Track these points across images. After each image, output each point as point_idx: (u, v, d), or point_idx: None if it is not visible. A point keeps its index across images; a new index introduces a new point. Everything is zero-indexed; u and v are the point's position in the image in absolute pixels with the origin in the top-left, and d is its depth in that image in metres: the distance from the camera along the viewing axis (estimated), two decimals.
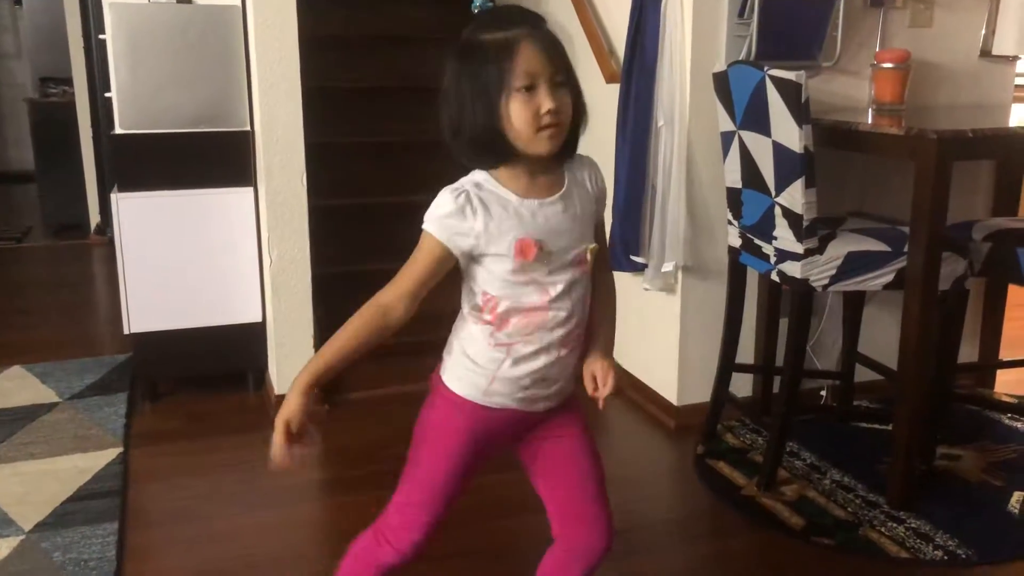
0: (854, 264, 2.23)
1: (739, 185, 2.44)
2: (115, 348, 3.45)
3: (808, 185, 2.18)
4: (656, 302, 2.84)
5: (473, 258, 1.28)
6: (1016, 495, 2.35)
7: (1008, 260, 2.42)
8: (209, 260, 2.94)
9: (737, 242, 2.52)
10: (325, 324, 2.95)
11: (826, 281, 2.24)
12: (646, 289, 2.77)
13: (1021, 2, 2.86)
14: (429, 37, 3.61)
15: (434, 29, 3.70)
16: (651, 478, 2.54)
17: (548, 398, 1.36)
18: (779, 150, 2.21)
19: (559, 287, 1.29)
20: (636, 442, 2.74)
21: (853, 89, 2.78)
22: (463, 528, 2.11)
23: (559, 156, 1.29)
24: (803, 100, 2.11)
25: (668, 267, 2.65)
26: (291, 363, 2.89)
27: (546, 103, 1.20)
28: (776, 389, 2.69)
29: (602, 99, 2.87)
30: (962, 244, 2.35)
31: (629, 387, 2.96)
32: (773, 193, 2.27)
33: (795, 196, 2.20)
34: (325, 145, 3.14)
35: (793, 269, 2.26)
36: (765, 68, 2.18)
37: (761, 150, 2.28)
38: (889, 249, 2.23)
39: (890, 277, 2.24)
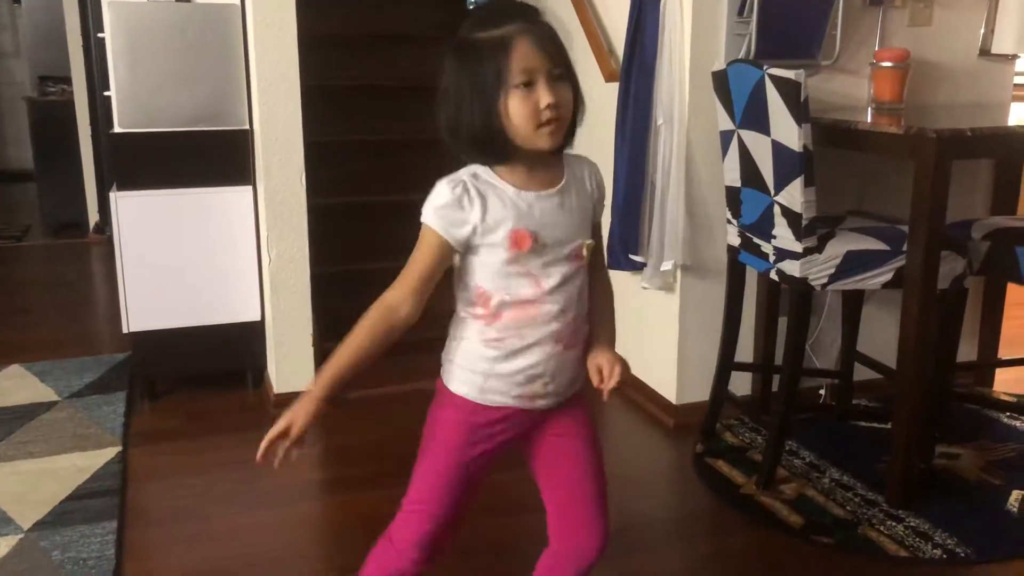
0: (853, 263, 2.23)
1: (738, 184, 2.44)
2: (114, 347, 3.45)
3: (807, 184, 2.18)
4: (655, 301, 2.84)
5: (469, 248, 1.27)
6: (1015, 494, 2.35)
7: (1007, 259, 2.42)
8: (208, 259, 2.94)
9: (736, 241, 2.52)
10: (324, 323, 2.95)
11: (825, 280, 2.24)
12: (645, 288, 2.77)
13: (1020, 1, 2.86)
14: (428, 35, 3.61)
15: (433, 27, 3.70)
16: (650, 477, 2.54)
17: (547, 396, 1.35)
18: (778, 149, 2.21)
19: (553, 280, 1.28)
20: (635, 441, 2.74)
21: (852, 88, 2.78)
22: (464, 526, 2.12)
23: (557, 148, 1.29)
24: (802, 99, 2.11)
25: (667, 266, 2.65)
26: (290, 362, 2.89)
27: (545, 98, 1.20)
28: (775, 388, 2.70)
29: (601, 98, 2.87)
30: (961, 243, 2.35)
31: (628, 386, 2.96)
32: (772, 192, 2.27)
33: (794, 195, 2.20)
34: (324, 144, 3.14)
35: (792, 268, 2.26)
36: (764, 67, 2.18)
37: (760, 149, 2.28)
38: (888, 248, 2.23)
39: (889, 276, 2.24)
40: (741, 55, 2.55)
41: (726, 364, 2.63)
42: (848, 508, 2.28)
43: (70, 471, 2.47)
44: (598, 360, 1.36)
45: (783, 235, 2.27)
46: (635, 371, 2.96)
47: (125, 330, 2.95)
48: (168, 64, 2.81)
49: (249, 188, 2.94)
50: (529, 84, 1.20)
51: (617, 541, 2.14)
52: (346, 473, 2.50)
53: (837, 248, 2.23)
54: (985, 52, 2.92)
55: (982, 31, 2.91)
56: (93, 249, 5.31)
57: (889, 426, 2.33)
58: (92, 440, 2.67)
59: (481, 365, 1.32)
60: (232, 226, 2.94)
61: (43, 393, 3.03)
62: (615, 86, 2.75)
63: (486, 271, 1.28)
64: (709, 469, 2.51)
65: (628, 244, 2.75)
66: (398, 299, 1.27)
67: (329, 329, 2.97)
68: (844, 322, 2.76)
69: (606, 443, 2.74)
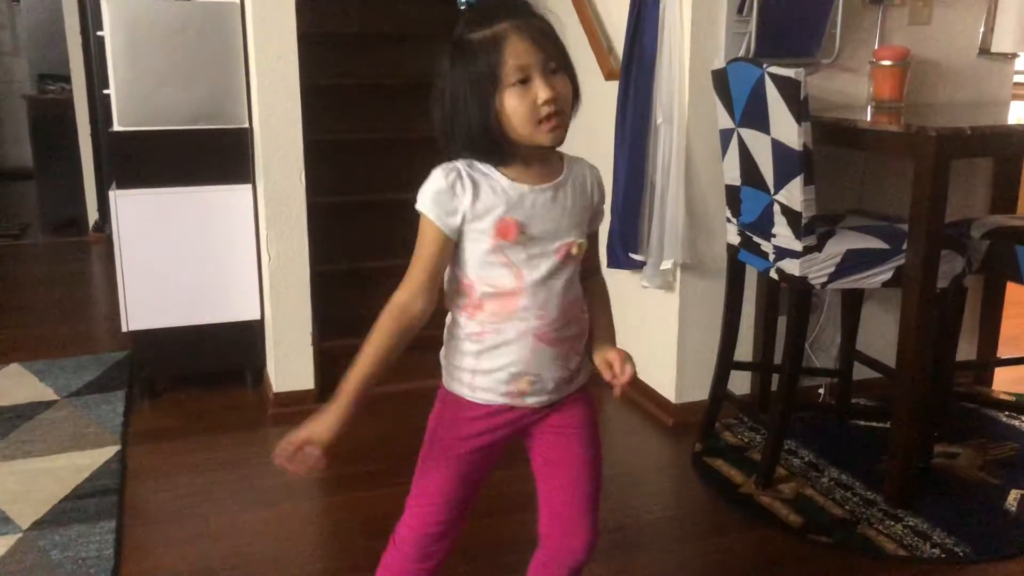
0: (853, 262, 2.23)
1: (738, 183, 2.44)
2: (113, 346, 3.45)
3: (807, 182, 2.17)
4: (655, 300, 2.84)
5: (460, 235, 1.27)
6: (1013, 493, 2.35)
7: (1006, 258, 2.42)
8: (207, 257, 2.94)
9: (736, 240, 2.52)
10: (324, 322, 2.95)
11: (825, 279, 2.24)
12: (645, 287, 2.77)
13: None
14: (428, 34, 3.60)
15: (433, 26, 3.69)
16: (649, 476, 2.54)
17: (536, 394, 1.33)
18: (778, 147, 2.21)
19: (536, 274, 1.27)
20: (634, 440, 2.74)
21: (852, 86, 2.78)
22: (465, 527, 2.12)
23: (558, 144, 1.28)
24: (802, 97, 2.10)
25: (667, 265, 2.65)
26: (289, 361, 2.89)
27: (542, 93, 1.19)
28: (774, 387, 2.70)
29: (601, 96, 2.87)
30: (960, 242, 2.35)
31: (628, 384, 2.96)
32: (772, 191, 2.27)
33: (794, 193, 2.20)
34: (324, 142, 3.14)
35: (792, 267, 2.26)
36: (764, 65, 2.18)
37: (760, 147, 2.28)
38: (888, 247, 2.23)
39: (888, 275, 2.24)
40: (741, 53, 2.55)
41: (725, 363, 2.63)
42: (847, 507, 2.28)
43: (69, 470, 2.47)
44: (607, 356, 1.36)
45: (783, 234, 2.27)
46: None
47: (124, 329, 2.94)
48: (168, 62, 2.81)
49: (248, 187, 2.94)
50: (525, 81, 1.20)
51: (616, 540, 2.15)
52: (345, 472, 2.50)
53: (837, 247, 2.23)
54: (985, 51, 2.92)
55: (982, 30, 2.90)
56: (92, 248, 5.30)
57: (888, 425, 2.33)
58: (91, 439, 2.67)
59: (467, 362, 1.32)
60: (231, 225, 2.94)
61: (42, 392, 3.03)
62: (615, 84, 2.75)
63: (471, 260, 1.28)
64: (708, 468, 2.51)
65: (628, 243, 2.75)
66: (408, 298, 1.27)
67: (329, 328, 2.97)
68: (843, 321, 2.76)
69: (605, 442, 2.74)
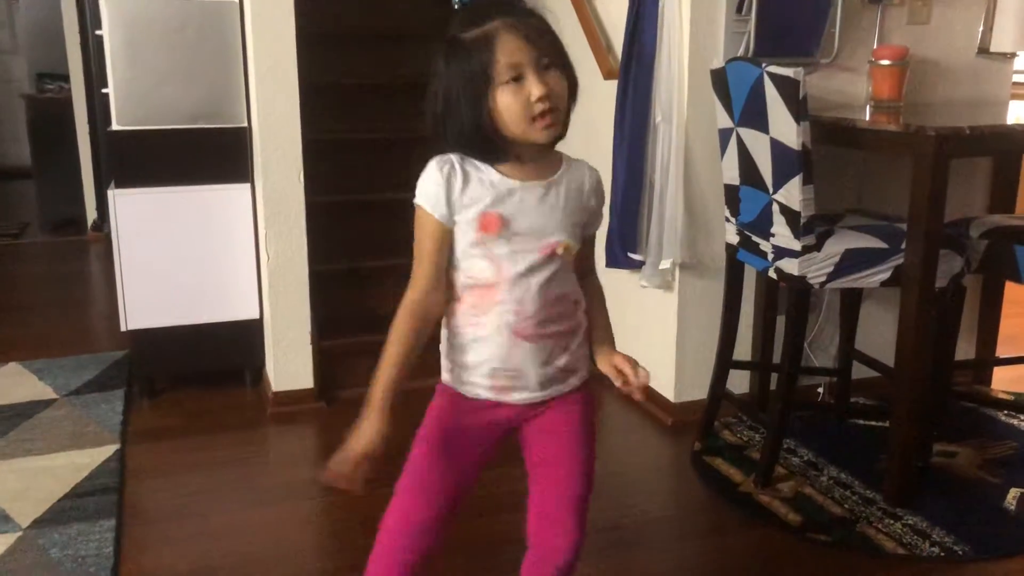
0: (851, 261, 2.23)
1: (737, 182, 2.44)
2: (112, 345, 3.45)
3: (806, 182, 2.18)
4: (653, 299, 2.84)
5: (453, 225, 1.28)
6: (1012, 492, 2.35)
7: (1005, 257, 2.42)
8: (206, 257, 2.94)
9: (735, 239, 2.52)
10: (323, 321, 2.95)
11: (823, 278, 2.24)
12: (643, 286, 2.77)
13: None
14: (427, 33, 3.60)
15: (432, 25, 3.69)
16: (648, 475, 2.54)
17: (520, 390, 1.33)
18: (777, 147, 2.21)
19: (515, 269, 1.27)
20: (633, 439, 2.74)
21: (851, 86, 2.78)
22: (453, 527, 2.12)
23: (555, 141, 1.28)
24: (801, 97, 2.10)
25: (666, 264, 2.65)
26: (288, 360, 2.89)
27: (535, 90, 1.19)
28: (773, 386, 2.70)
29: (600, 95, 2.87)
30: (959, 241, 2.35)
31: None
32: (771, 190, 2.27)
33: (793, 193, 2.20)
34: (322, 141, 3.14)
35: (791, 266, 2.26)
36: (763, 65, 2.18)
37: (759, 147, 2.28)
38: (886, 246, 2.23)
39: (887, 274, 2.24)
40: (740, 53, 2.55)
41: (724, 362, 2.64)
42: (846, 506, 2.28)
43: (68, 469, 2.47)
44: (614, 362, 1.35)
45: (782, 233, 2.27)
46: None
47: (123, 328, 2.94)
48: (166, 61, 2.81)
49: (247, 186, 2.94)
50: (518, 78, 1.19)
51: (615, 539, 2.15)
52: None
53: (835, 246, 2.23)
54: (984, 50, 2.92)
55: (981, 29, 2.91)
56: (91, 247, 5.30)
57: (887, 424, 2.34)
58: (90, 438, 2.67)
59: (454, 355, 1.34)
60: (230, 224, 2.94)
61: (41, 391, 3.03)
62: (614, 83, 2.75)
63: (456, 251, 1.28)
64: (707, 467, 2.51)
65: (627, 242, 2.75)
66: (419, 296, 1.28)
67: (328, 327, 2.97)
68: (842, 320, 2.76)
69: (605, 441, 2.75)
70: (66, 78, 5.45)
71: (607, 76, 2.89)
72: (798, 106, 2.11)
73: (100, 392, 3.01)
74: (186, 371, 3.06)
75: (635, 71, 2.65)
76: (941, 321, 2.37)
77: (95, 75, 4.66)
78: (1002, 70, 2.99)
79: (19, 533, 2.15)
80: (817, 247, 2.23)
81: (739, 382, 2.81)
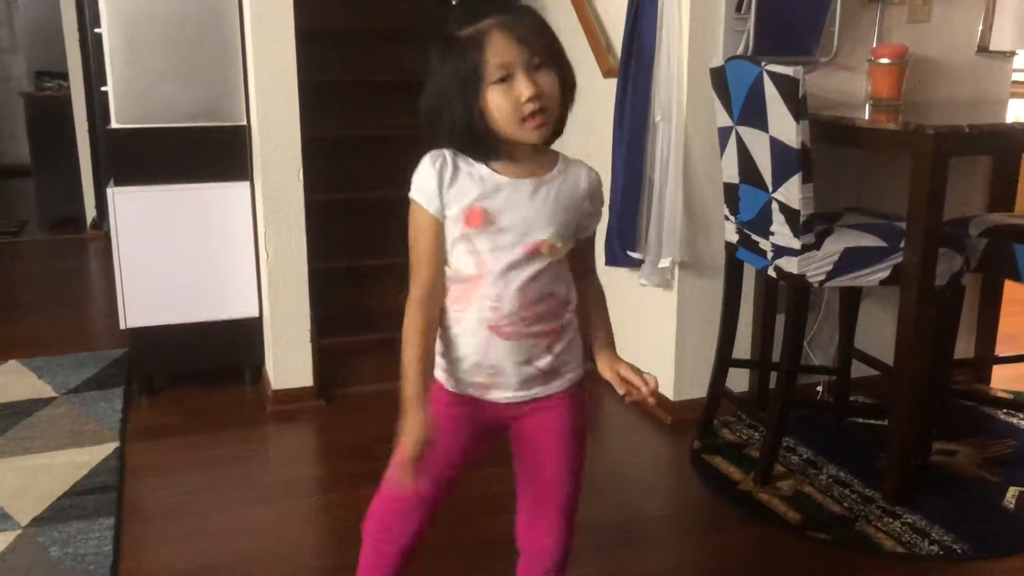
0: (851, 260, 2.23)
1: (736, 181, 2.44)
2: (112, 343, 3.45)
3: (805, 180, 2.18)
4: (652, 297, 2.84)
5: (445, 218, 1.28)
6: (1011, 490, 2.35)
7: (1004, 256, 2.42)
8: (206, 255, 2.94)
9: (734, 238, 2.52)
10: (322, 319, 2.95)
11: (823, 277, 2.24)
12: (643, 284, 2.77)
13: None
14: (427, 31, 3.59)
15: (432, 22, 3.69)
16: (647, 473, 2.54)
17: (500, 387, 1.33)
18: (776, 146, 2.21)
19: (497, 265, 1.26)
20: (632, 437, 2.75)
21: (850, 84, 2.78)
22: (449, 523, 2.12)
23: (549, 140, 1.28)
24: (800, 95, 2.10)
25: (665, 262, 2.65)
26: (288, 358, 2.89)
27: (525, 91, 1.19)
28: (772, 384, 2.70)
29: (600, 94, 2.87)
30: (959, 240, 2.35)
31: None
32: (770, 189, 2.27)
33: (792, 192, 2.20)
34: (322, 139, 3.14)
35: (790, 265, 2.26)
36: (763, 63, 2.18)
37: (758, 146, 2.28)
38: (886, 245, 2.23)
39: (887, 273, 2.24)
40: (739, 51, 2.55)
41: (724, 361, 2.64)
42: (845, 504, 2.28)
43: (67, 467, 2.47)
44: (619, 370, 1.35)
45: (781, 232, 2.27)
46: None
47: (123, 326, 2.94)
48: (165, 59, 2.80)
49: (247, 184, 2.93)
50: (508, 78, 1.19)
51: (614, 537, 2.15)
52: (343, 469, 2.50)
53: (835, 245, 2.23)
54: (983, 48, 2.92)
55: (980, 28, 2.91)
56: (90, 245, 5.30)
57: (886, 423, 2.34)
58: (89, 436, 2.67)
59: (442, 349, 1.34)
60: (230, 222, 2.94)
61: (40, 389, 3.03)
62: (613, 82, 2.75)
63: (447, 244, 1.29)
64: (706, 465, 2.51)
65: (626, 241, 2.75)
66: (422, 293, 1.29)
67: (327, 325, 2.97)
68: (841, 319, 2.76)
69: (604, 439, 2.75)
70: (65, 76, 5.45)
71: (606, 74, 2.88)
72: (797, 105, 2.11)
73: (99, 390, 3.01)
74: (185, 369, 3.06)
75: (634, 69, 2.65)
76: (940, 320, 2.37)
77: (94, 73, 4.66)
78: (1001, 69, 2.99)
79: (18, 531, 2.15)
80: (816, 246, 2.23)
81: (738, 380, 2.81)
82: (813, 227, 2.23)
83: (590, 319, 1.40)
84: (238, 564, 2.05)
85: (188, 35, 2.80)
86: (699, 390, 2.73)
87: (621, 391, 1.35)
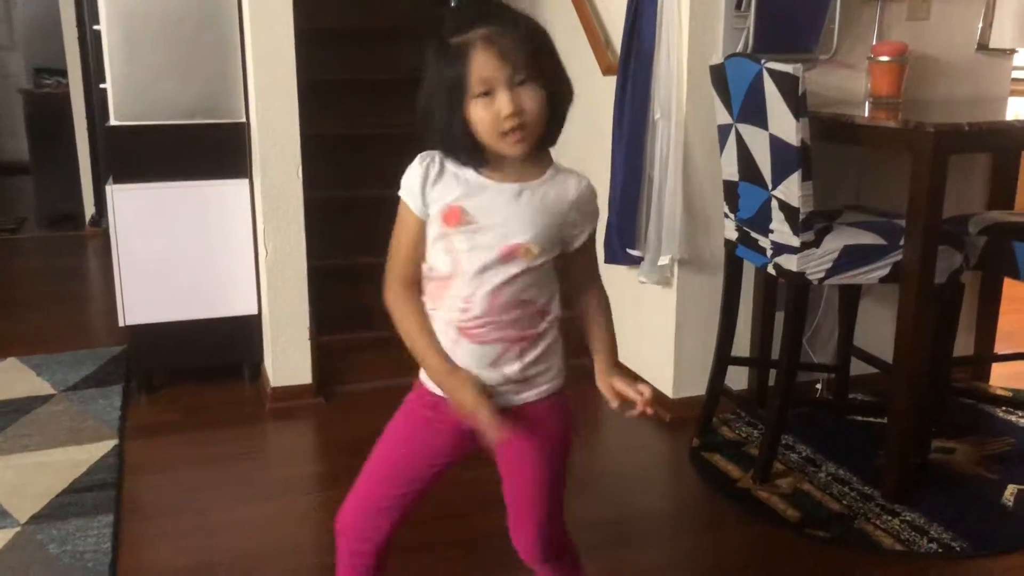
0: (850, 257, 2.23)
1: (736, 178, 2.44)
2: (110, 340, 3.45)
3: (805, 178, 2.17)
4: (652, 295, 2.84)
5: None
6: (1010, 488, 2.35)
7: (1004, 254, 2.42)
8: (205, 252, 2.94)
9: (733, 235, 2.52)
10: (321, 317, 2.95)
11: (822, 274, 2.24)
12: (642, 282, 2.77)
13: None
14: (426, 30, 3.59)
15: (431, 21, 3.68)
16: (646, 471, 2.54)
17: None
18: (776, 143, 2.21)
19: (471, 266, 1.26)
20: (631, 435, 2.74)
21: (850, 82, 2.78)
22: (447, 519, 2.13)
23: (539, 148, 1.27)
24: (800, 93, 2.10)
25: (664, 260, 2.65)
26: (287, 356, 2.88)
27: (504, 107, 1.18)
28: (772, 382, 2.69)
29: (599, 91, 2.87)
30: (958, 238, 2.35)
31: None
32: (770, 186, 2.27)
33: (792, 189, 2.20)
34: (321, 137, 3.13)
35: (789, 262, 2.26)
36: (762, 61, 2.17)
37: (758, 143, 2.28)
38: (885, 242, 2.23)
39: (886, 271, 2.24)
40: (739, 49, 2.55)
41: (723, 358, 2.64)
42: (844, 502, 2.28)
43: (66, 464, 2.47)
44: (614, 385, 1.34)
45: (780, 229, 2.27)
46: (631, 365, 2.96)
47: (121, 323, 2.94)
48: (164, 56, 2.80)
49: (246, 181, 2.93)
50: (490, 92, 1.19)
51: (613, 535, 2.15)
52: (341, 466, 2.49)
53: (834, 242, 2.23)
54: (983, 46, 2.92)
55: (980, 25, 2.90)
56: (89, 242, 5.30)
57: (885, 420, 2.34)
58: (88, 433, 2.66)
59: None
60: (229, 219, 2.94)
61: (39, 386, 3.03)
62: (613, 80, 2.75)
63: (428, 242, 1.30)
64: (705, 463, 2.51)
65: (625, 238, 2.75)
66: (399, 290, 1.31)
67: (326, 323, 2.96)
68: (841, 317, 2.76)
69: (603, 437, 2.75)
70: (64, 73, 5.45)
71: (606, 72, 2.88)
72: (797, 102, 2.11)
73: (98, 387, 3.01)
74: (184, 366, 3.06)
75: (634, 67, 2.65)
76: (939, 317, 2.37)
77: (93, 70, 4.66)
78: (1001, 66, 2.99)
79: (17, 529, 2.15)
80: (816, 243, 2.23)
81: (737, 378, 2.81)
82: (812, 225, 2.23)
83: (590, 331, 1.39)
84: (237, 561, 2.04)
85: (187, 32, 2.80)
86: (698, 388, 2.73)
87: (614, 405, 1.34)
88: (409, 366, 1.36)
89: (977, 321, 3.09)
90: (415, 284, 1.31)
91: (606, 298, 1.41)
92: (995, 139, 2.35)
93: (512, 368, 1.30)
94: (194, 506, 2.28)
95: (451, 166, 1.26)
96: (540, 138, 1.24)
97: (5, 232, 5.56)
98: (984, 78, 2.95)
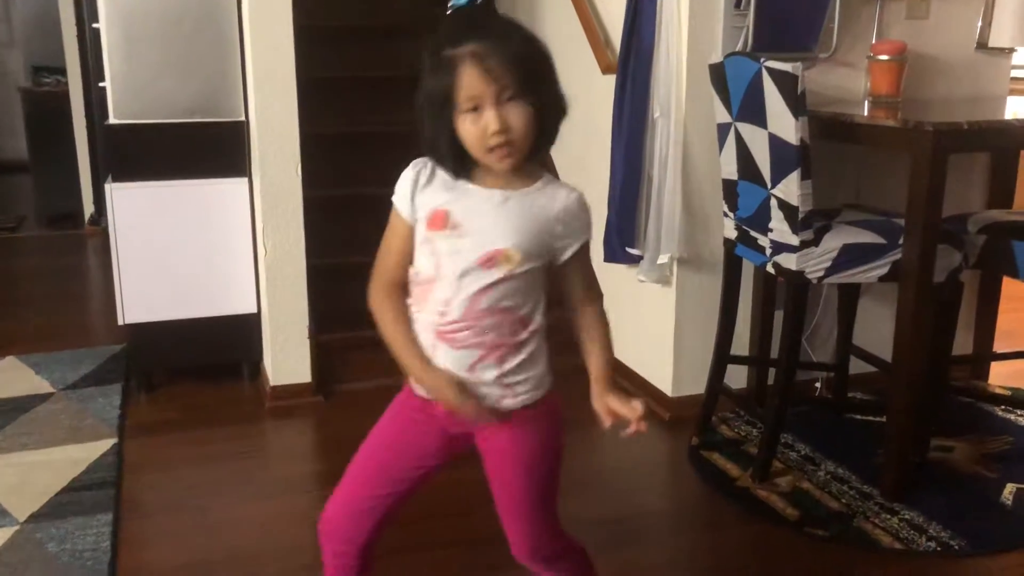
0: (849, 256, 2.23)
1: (735, 177, 2.44)
2: (110, 339, 3.44)
3: (804, 177, 2.17)
4: (651, 294, 2.84)
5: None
6: (1009, 487, 2.35)
7: (1003, 253, 2.42)
8: (204, 251, 2.93)
9: (733, 234, 2.52)
10: (320, 315, 2.95)
11: (821, 273, 2.24)
12: (641, 281, 2.77)
13: None
14: (426, 27, 3.59)
15: (431, 19, 3.68)
16: (645, 469, 2.54)
17: None
18: (775, 142, 2.21)
19: (451, 270, 1.26)
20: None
21: (849, 81, 2.78)
22: (446, 518, 2.13)
23: (527, 160, 1.27)
24: (799, 92, 2.10)
25: (663, 259, 2.65)
26: (286, 354, 2.88)
27: (491, 124, 1.18)
28: (771, 381, 2.69)
29: (598, 90, 2.87)
30: (957, 236, 2.35)
31: (624, 379, 2.96)
32: (769, 185, 2.27)
33: (791, 188, 2.20)
34: (320, 135, 3.13)
35: (788, 261, 2.26)
36: (761, 60, 2.17)
37: (757, 142, 2.28)
38: (884, 241, 2.23)
39: (885, 269, 2.24)
40: (738, 48, 2.55)
41: (722, 357, 2.64)
42: (843, 501, 2.28)
43: (65, 463, 2.47)
44: (608, 402, 1.32)
45: (779, 228, 2.27)
46: (631, 364, 2.97)
47: (121, 322, 2.94)
48: (163, 55, 2.80)
49: (245, 180, 2.93)
50: (478, 108, 1.19)
51: (612, 533, 2.15)
52: (340, 466, 2.48)
53: (833, 241, 2.23)
54: (982, 45, 2.92)
55: (979, 24, 2.90)
56: (88, 240, 5.29)
57: (884, 419, 2.34)
58: (88, 432, 2.66)
59: None
60: (228, 218, 2.94)
61: (38, 385, 3.03)
62: (612, 78, 2.75)
63: (416, 246, 1.31)
64: (705, 462, 2.51)
65: (624, 237, 2.75)
66: (382, 292, 1.33)
67: (325, 321, 2.96)
68: (840, 315, 2.77)
69: (601, 436, 2.74)
70: (63, 71, 5.45)
71: (605, 71, 2.88)
72: (796, 101, 2.11)
73: (97, 386, 3.01)
74: (184, 365, 3.06)
75: (633, 66, 2.65)
76: (939, 316, 2.37)
77: (92, 68, 4.65)
78: (1000, 65, 2.99)
79: (16, 527, 2.15)
80: (815, 242, 2.23)
81: (737, 377, 2.81)
82: (812, 223, 2.23)
83: (586, 350, 1.38)
84: (236, 560, 2.05)
85: (186, 30, 2.80)
86: (697, 386, 2.73)
87: (607, 424, 1.33)
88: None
89: (976, 320, 3.09)
90: (399, 287, 1.32)
91: (604, 316, 1.39)
92: (994, 138, 2.35)
93: (490, 374, 1.30)
94: (193, 505, 2.28)
95: (441, 172, 1.27)
96: (529, 151, 1.24)
97: (4, 231, 5.55)
98: (983, 77, 2.95)
